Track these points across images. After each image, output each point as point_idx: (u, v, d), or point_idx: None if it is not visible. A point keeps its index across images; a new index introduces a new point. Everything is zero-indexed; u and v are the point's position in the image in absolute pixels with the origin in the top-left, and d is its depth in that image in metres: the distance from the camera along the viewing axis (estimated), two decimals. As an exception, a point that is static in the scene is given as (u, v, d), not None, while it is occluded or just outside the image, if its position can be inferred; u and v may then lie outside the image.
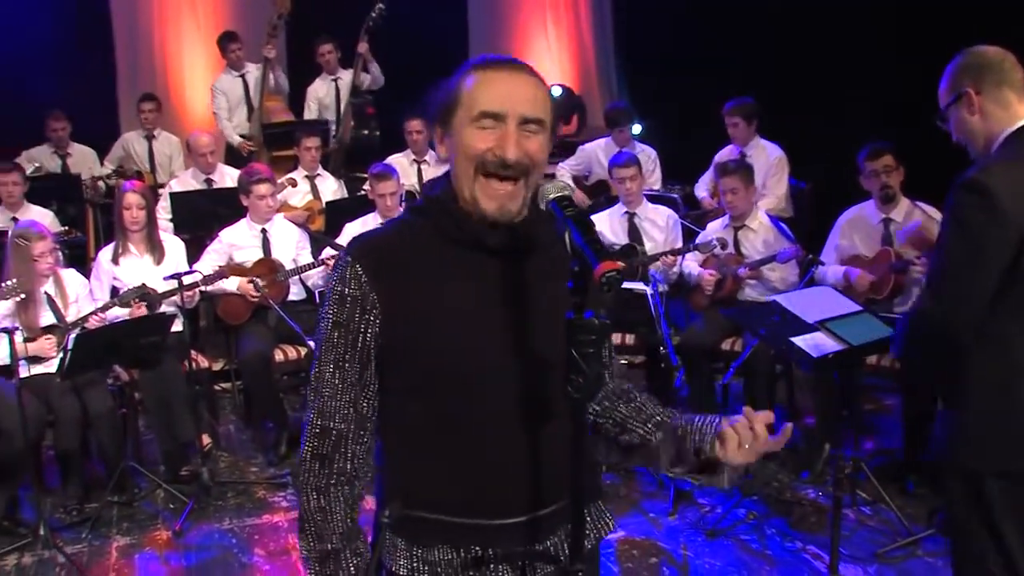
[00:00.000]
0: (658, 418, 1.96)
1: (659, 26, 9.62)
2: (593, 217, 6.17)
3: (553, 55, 10.68)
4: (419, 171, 7.76)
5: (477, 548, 1.86)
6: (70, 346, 4.75)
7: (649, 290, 4.78)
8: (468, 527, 1.85)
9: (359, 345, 1.82)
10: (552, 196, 1.72)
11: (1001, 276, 2.48)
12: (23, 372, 4.71)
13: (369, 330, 1.81)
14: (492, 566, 1.85)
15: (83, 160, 8.44)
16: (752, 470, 5.03)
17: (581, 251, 1.58)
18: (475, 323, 1.80)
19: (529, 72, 1.85)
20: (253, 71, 8.50)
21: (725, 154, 6.81)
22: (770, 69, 8.37)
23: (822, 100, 7.90)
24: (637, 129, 9.90)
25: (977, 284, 2.50)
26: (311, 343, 5.07)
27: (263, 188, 5.93)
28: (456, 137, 1.81)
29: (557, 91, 10.06)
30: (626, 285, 5.09)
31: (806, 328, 3.26)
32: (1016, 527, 2.59)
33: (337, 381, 1.83)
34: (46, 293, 5.21)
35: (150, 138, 8.53)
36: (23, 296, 4.94)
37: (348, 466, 1.86)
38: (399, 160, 7.55)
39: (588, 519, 2.00)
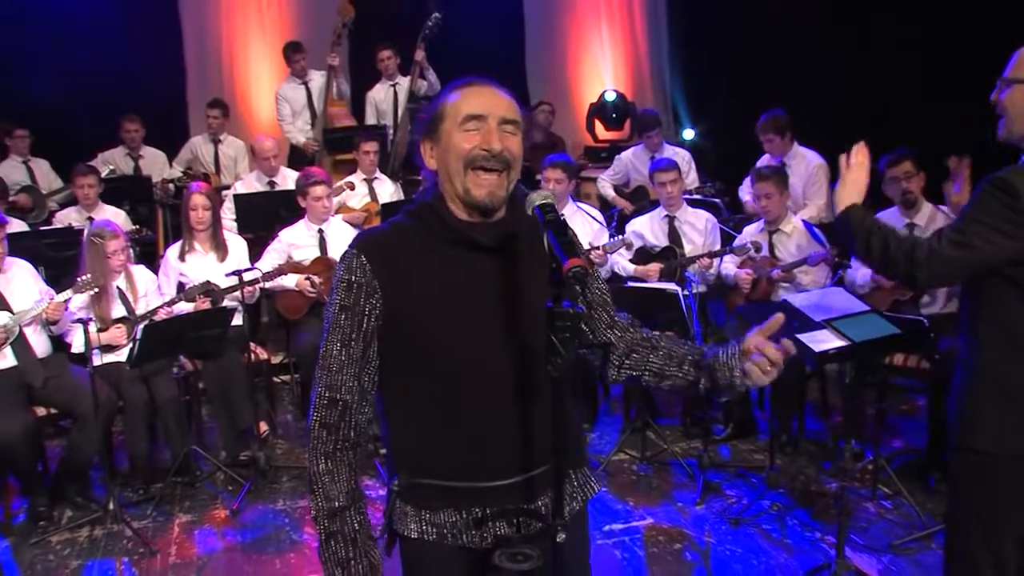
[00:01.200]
0: (690, 358, 2.23)
1: (714, 28, 9.77)
2: (634, 220, 6.44)
3: (607, 61, 10.85)
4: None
5: (477, 510, 2.11)
6: (139, 336, 5.08)
7: (680, 290, 4.99)
8: (468, 490, 2.10)
9: (363, 326, 2.09)
10: (537, 203, 1.98)
11: (999, 268, 2.65)
12: (96, 361, 5.03)
13: (372, 313, 2.08)
14: (491, 524, 2.11)
15: (154, 162, 8.84)
16: (782, 465, 5.25)
17: (553, 250, 1.84)
18: (464, 308, 2.07)
19: (500, 86, 2.14)
20: (316, 79, 8.81)
21: (765, 161, 6.97)
22: (820, 72, 8.54)
23: (871, 105, 8.03)
24: (689, 134, 10.11)
25: (967, 265, 2.68)
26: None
27: (319, 190, 6.24)
28: (444, 143, 2.09)
29: (611, 96, 10.29)
30: (658, 285, 5.34)
31: (813, 326, 3.48)
32: (1013, 528, 2.77)
33: (343, 358, 2.10)
34: (118, 287, 5.58)
35: (216, 142, 8.90)
36: (97, 290, 5.31)
37: (352, 434, 2.13)
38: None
39: (575, 483, 2.27)
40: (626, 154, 8.44)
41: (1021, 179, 2.59)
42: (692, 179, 8.15)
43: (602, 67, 10.83)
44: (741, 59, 9.24)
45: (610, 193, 8.36)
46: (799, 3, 9.03)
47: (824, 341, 3.39)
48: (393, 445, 2.20)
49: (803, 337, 3.38)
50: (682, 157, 8.17)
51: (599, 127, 10.26)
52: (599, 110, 10.23)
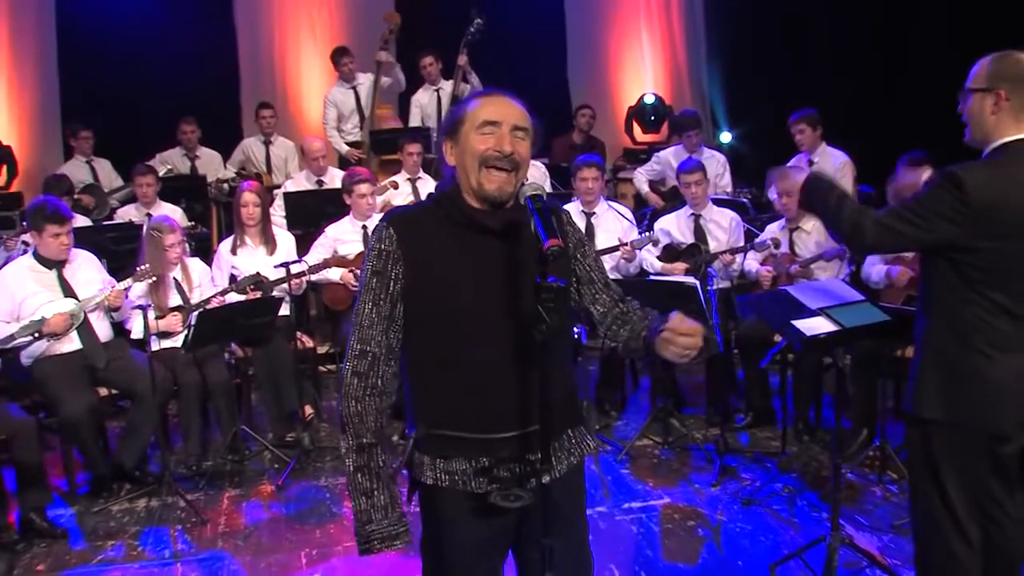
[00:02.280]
0: (644, 333, 2.53)
1: (751, 35, 10.00)
2: (662, 218, 6.73)
3: (647, 64, 11.11)
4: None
5: (484, 459, 2.43)
6: (193, 323, 5.45)
7: (699, 284, 5.27)
8: (476, 441, 2.42)
9: (390, 289, 2.41)
10: (528, 193, 2.31)
11: (937, 250, 2.98)
12: (154, 346, 5.42)
13: (398, 278, 2.41)
14: (495, 471, 2.42)
15: (209, 162, 9.27)
16: (797, 451, 5.52)
17: (537, 231, 2.16)
18: (471, 282, 2.38)
19: (515, 97, 2.46)
20: (364, 82, 9.18)
21: (794, 162, 7.22)
22: (856, 77, 8.74)
23: (907, 110, 8.24)
24: (727, 137, 10.33)
25: (898, 236, 3.01)
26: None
27: (363, 188, 6.60)
28: (463, 144, 2.42)
29: (650, 99, 10.56)
30: (677, 278, 5.62)
31: (809, 313, 3.75)
32: (963, 487, 3.06)
33: (374, 315, 2.43)
34: (174, 278, 5.97)
35: (267, 143, 9.30)
36: (155, 279, 5.70)
37: (379, 383, 2.45)
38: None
39: (572, 441, 2.58)
40: (665, 153, 8.71)
41: (970, 175, 2.88)
42: (726, 182, 8.39)
43: (641, 71, 11.09)
44: (777, 65, 9.46)
45: (644, 188, 8.63)
46: (834, 10, 9.24)
47: (815, 327, 3.66)
48: (413, 401, 2.51)
49: (796, 323, 3.66)
50: (718, 160, 8.44)
51: (637, 130, 10.52)
52: (637, 113, 10.51)
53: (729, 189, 8.21)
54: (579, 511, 2.68)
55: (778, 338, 5.74)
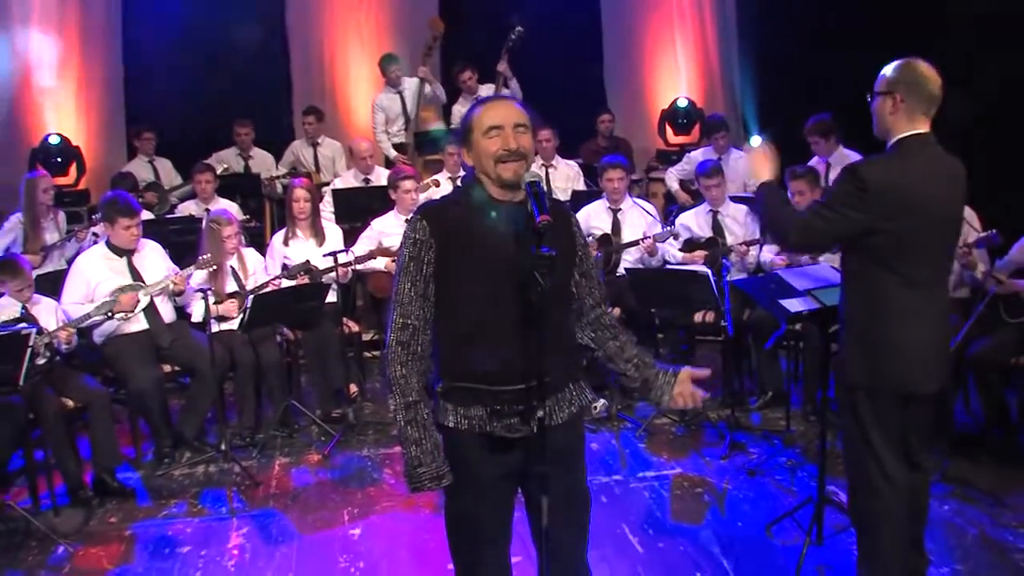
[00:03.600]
0: (635, 361, 3.10)
1: (782, 40, 10.35)
2: (683, 214, 7.18)
3: (680, 70, 11.46)
4: (547, 174, 8.80)
5: (497, 406, 2.89)
6: (249, 306, 5.98)
7: (712, 273, 5.71)
8: (490, 392, 2.87)
9: (424, 271, 2.88)
10: (528, 180, 2.79)
11: (862, 245, 3.48)
12: (212, 328, 5.96)
13: (430, 261, 2.87)
14: (505, 416, 2.89)
15: (262, 162, 9.81)
16: (800, 429, 5.94)
17: (531, 209, 2.64)
18: (489, 259, 2.83)
19: (512, 99, 2.96)
20: (409, 87, 9.67)
21: (812, 163, 7.62)
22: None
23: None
24: (756, 141, 10.65)
25: (822, 233, 3.54)
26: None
27: (408, 184, 7.11)
28: (476, 147, 2.88)
29: (683, 103, 10.97)
30: (691, 267, 6.07)
31: (796, 294, 4.19)
32: (884, 436, 3.58)
33: (412, 293, 2.89)
34: (231, 267, 6.50)
35: (314, 145, 9.83)
36: (214, 267, 6.25)
37: (419, 349, 2.92)
38: (526, 165, 8.59)
39: (572, 393, 3.03)
40: (695, 153, 9.12)
41: (868, 168, 3.44)
42: (753, 183, 8.77)
43: (675, 76, 11.44)
44: (807, 70, 9.80)
45: (674, 186, 9.07)
46: (866, 17, 9.58)
47: (799, 306, 4.11)
48: (440, 359, 2.97)
49: (783, 301, 4.11)
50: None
51: (669, 132, 10.93)
52: (670, 116, 10.90)
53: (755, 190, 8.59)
54: (579, 453, 3.14)
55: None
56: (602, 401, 6.30)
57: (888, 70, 3.55)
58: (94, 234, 7.35)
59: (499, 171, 2.84)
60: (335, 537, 4.85)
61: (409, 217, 3.03)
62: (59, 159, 9.76)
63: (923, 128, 3.51)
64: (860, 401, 3.61)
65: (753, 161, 3.94)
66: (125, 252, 6.05)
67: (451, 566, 3.07)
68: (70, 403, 5.51)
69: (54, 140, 9.83)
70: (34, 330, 5.07)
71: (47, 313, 5.68)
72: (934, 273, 3.56)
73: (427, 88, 9.58)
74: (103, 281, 5.94)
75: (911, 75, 3.50)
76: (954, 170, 3.59)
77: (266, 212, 9.45)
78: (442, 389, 2.96)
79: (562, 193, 8.36)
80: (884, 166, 3.47)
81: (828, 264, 4.85)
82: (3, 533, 4.97)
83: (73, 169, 9.89)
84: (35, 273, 6.01)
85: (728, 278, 5.85)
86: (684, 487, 5.28)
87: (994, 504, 4.85)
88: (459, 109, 9.67)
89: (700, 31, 11.47)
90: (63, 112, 10.35)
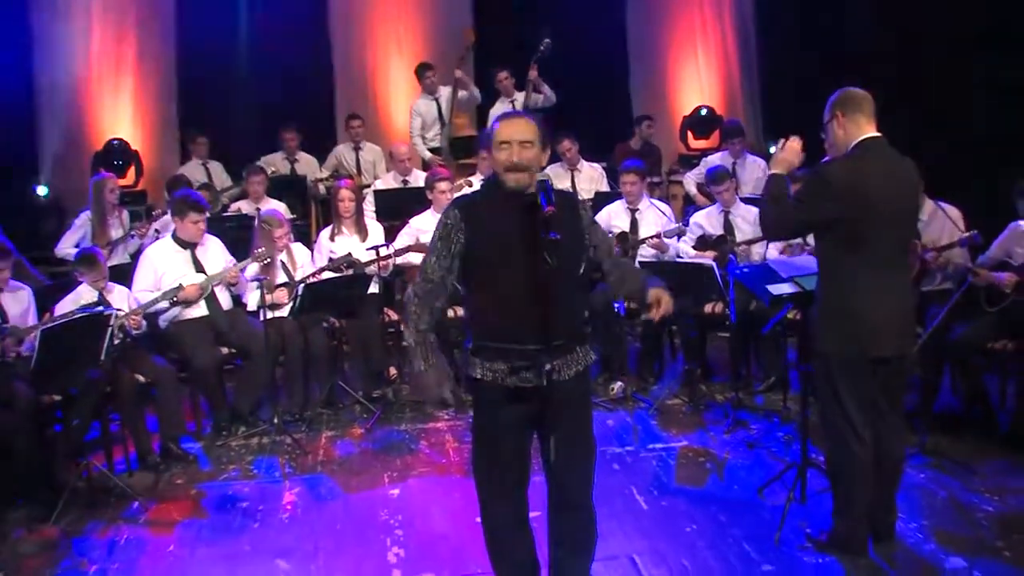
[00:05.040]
0: (637, 287, 3.80)
1: (798, 48, 10.90)
2: (696, 214, 7.77)
3: (702, 80, 12.03)
4: (572, 177, 9.39)
5: (516, 361, 3.50)
6: (299, 294, 6.62)
7: (717, 266, 6.30)
8: (510, 350, 3.48)
9: (451, 249, 3.51)
10: (539, 179, 3.41)
11: (829, 233, 4.13)
12: (267, 315, 6.63)
13: (458, 242, 3.50)
14: (523, 372, 3.49)
15: (308, 165, 10.47)
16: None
17: (540, 202, 3.26)
18: (508, 241, 3.44)
19: (524, 116, 3.57)
20: (444, 94, 10.27)
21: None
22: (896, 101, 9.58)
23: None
24: (774, 149, 11.19)
25: (796, 222, 4.30)
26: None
27: (443, 184, 7.73)
28: (493, 156, 3.52)
29: (704, 112, 11.55)
30: (698, 260, 6.66)
31: (781, 280, 4.79)
32: (853, 398, 4.21)
33: (436, 265, 3.54)
34: (282, 260, 7.16)
35: (357, 149, 10.47)
36: (267, 261, 6.91)
37: (431, 303, 3.58)
38: (555, 170, 9.21)
39: (579, 354, 3.62)
40: (712, 158, 9.66)
41: (830, 168, 4.22)
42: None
43: (697, 84, 12.04)
44: (823, 80, 10.28)
45: (692, 190, 9.64)
46: (879, 34, 10.11)
47: (782, 289, 4.72)
48: (470, 321, 3.63)
49: (769, 287, 4.72)
50: (759, 165, 9.38)
51: (690, 137, 11.52)
52: (691, 122, 11.50)
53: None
54: (584, 405, 3.74)
55: (794, 315, 6.72)
56: (619, 383, 6.94)
57: (828, 101, 4.31)
58: (156, 231, 8.05)
59: (506, 178, 3.47)
60: (376, 496, 5.50)
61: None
62: (119, 162, 10.49)
63: (871, 131, 4.20)
64: (833, 367, 4.25)
65: (781, 152, 4.52)
66: (189, 245, 6.73)
67: (478, 519, 3.74)
68: (141, 379, 6.18)
69: (116, 145, 10.57)
70: (113, 311, 5.74)
71: (120, 299, 6.36)
72: (891, 255, 4.21)
73: (461, 93, 10.16)
74: (169, 271, 6.61)
75: (843, 96, 4.28)
76: (906, 170, 4.28)
77: (311, 211, 10.12)
78: (472, 348, 3.59)
79: (586, 194, 8.91)
80: (844, 166, 4.15)
81: (812, 256, 5.42)
82: (85, 491, 5.63)
83: (132, 171, 10.63)
84: (104, 265, 6.70)
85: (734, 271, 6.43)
86: (688, 457, 5.88)
87: (966, 472, 5.39)
88: (496, 111, 10.11)
89: (721, 42, 12.03)
90: (122, 119, 11.12)
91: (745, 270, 4.91)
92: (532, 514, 3.75)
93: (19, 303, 6.01)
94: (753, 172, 9.13)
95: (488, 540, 3.78)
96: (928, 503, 5.06)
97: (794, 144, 4.48)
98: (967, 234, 6.04)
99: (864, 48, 9.99)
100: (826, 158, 4.36)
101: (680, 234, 7.41)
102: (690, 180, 9.71)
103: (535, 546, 3.82)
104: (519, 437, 3.63)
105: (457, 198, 3.67)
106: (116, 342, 6.01)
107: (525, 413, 3.56)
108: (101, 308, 5.79)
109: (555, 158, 9.26)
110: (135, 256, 7.81)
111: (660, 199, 9.12)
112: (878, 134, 4.21)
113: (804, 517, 4.88)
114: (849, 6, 10.30)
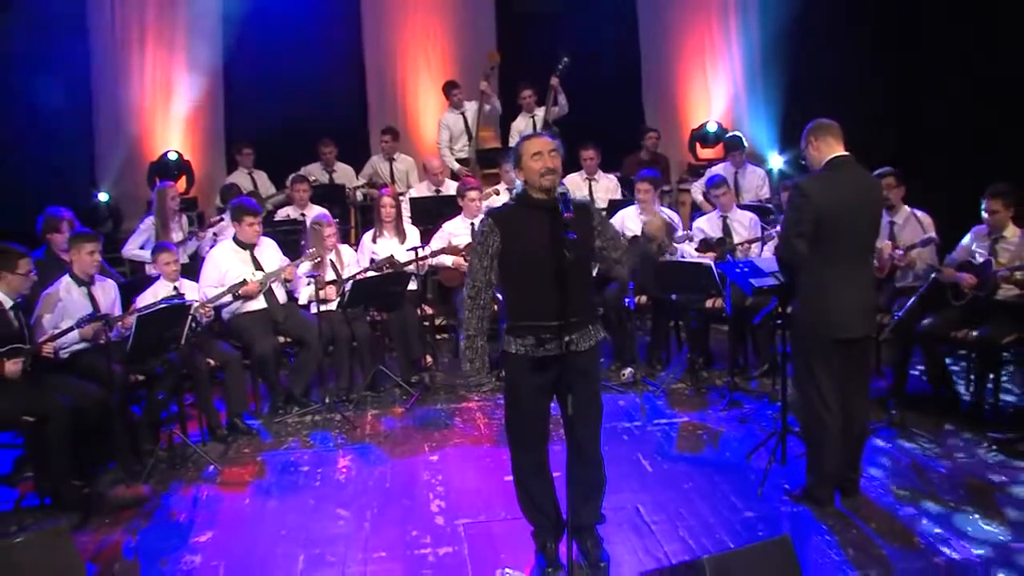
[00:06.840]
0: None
1: (804, 66, 11.67)
2: (698, 219, 8.63)
3: (709, 95, 12.86)
4: (590, 187, 10.23)
5: (541, 335, 4.36)
6: (348, 289, 7.51)
7: (715, 266, 7.16)
8: (537, 327, 4.35)
9: (489, 252, 4.38)
10: (560, 191, 4.27)
11: (810, 236, 4.92)
12: (315, 308, 7.52)
13: (494, 245, 4.37)
14: (547, 345, 4.36)
15: (344, 175, 11.34)
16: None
17: (560, 209, 4.12)
18: (537, 241, 4.29)
19: (545, 134, 4.48)
20: (470, 108, 11.11)
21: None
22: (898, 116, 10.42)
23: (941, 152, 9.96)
24: (777, 162, 11.98)
25: (796, 240, 4.99)
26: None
27: (473, 193, 8.61)
28: (525, 168, 4.38)
29: (712, 127, 12.39)
30: (695, 260, 7.52)
31: (764, 275, 5.67)
32: (824, 373, 5.07)
33: (479, 266, 4.41)
34: (331, 260, 8.05)
35: (390, 160, 11.32)
36: (318, 260, 7.81)
37: (481, 302, 4.45)
38: (574, 179, 10.08)
39: (591, 331, 4.49)
40: (715, 168, 10.45)
41: (808, 184, 5.05)
42: (765, 192, 10.16)
43: (705, 99, 12.84)
44: (829, 94, 10.96)
45: (699, 198, 10.44)
46: (878, 54, 10.89)
47: (764, 283, 5.60)
48: (506, 307, 4.49)
49: (752, 280, 5.59)
50: (758, 174, 10.27)
51: (699, 148, 12.37)
52: (699, 135, 12.35)
53: (767, 197, 9.97)
54: (596, 371, 4.65)
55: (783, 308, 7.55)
56: (629, 370, 7.82)
57: (803, 132, 5.22)
58: (214, 234, 8.97)
59: (541, 182, 4.33)
60: (419, 461, 6.39)
61: (474, 220, 4.54)
62: (174, 172, 11.40)
63: (840, 151, 5.08)
64: (806, 346, 5.15)
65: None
66: (248, 246, 7.62)
67: (507, 477, 4.71)
68: (211, 362, 7.08)
69: (172, 156, 11.53)
70: (191, 302, 6.64)
71: (191, 292, 7.26)
72: (855, 254, 5.08)
73: (486, 106, 11.00)
74: (231, 269, 7.51)
75: (815, 125, 5.21)
76: (870, 184, 5.21)
77: (351, 216, 11.01)
78: (508, 327, 4.46)
79: (601, 203, 9.71)
80: (818, 179, 5.06)
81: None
82: (167, 457, 6.56)
83: (184, 180, 11.54)
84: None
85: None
86: (689, 430, 6.76)
87: (928, 442, 6.26)
88: (518, 125, 10.95)
89: (728, 59, 12.78)
90: (173, 132, 12.03)
91: (745, 269, 5.73)
92: (554, 474, 4.68)
93: (107, 295, 6.89)
94: (753, 181, 10.03)
95: (518, 488, 4.69)
96: (891, 465, 5.93)
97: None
98: (926, 236, 6.89)
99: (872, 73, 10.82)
100: (797, 179, 5.31)
101: (689, 240, 8.27)
102: (696, 189, 10.54)
103: (556, 494, 4.71)
104: (542, 400, 4.52)
105: (490, 209, 4.56)
106: (192, 329, 6.90)
107: (548, 379, 4.43)
108: (182, 298, 6.68)
109: (575, 167, 10.15)
110: (192, 257, 8.76)
111: (669, 207, 9.98)
112: (846, 153, 5.08)
113: (784, 476, 5.74)
114: (849, 37, 11.17)
